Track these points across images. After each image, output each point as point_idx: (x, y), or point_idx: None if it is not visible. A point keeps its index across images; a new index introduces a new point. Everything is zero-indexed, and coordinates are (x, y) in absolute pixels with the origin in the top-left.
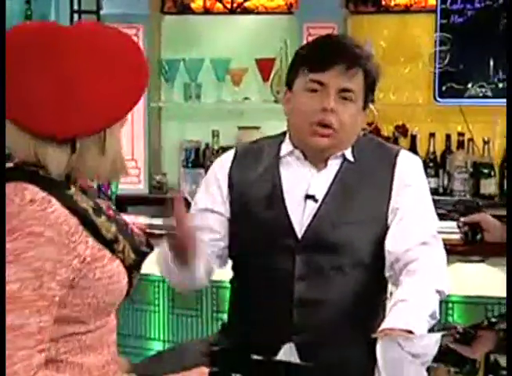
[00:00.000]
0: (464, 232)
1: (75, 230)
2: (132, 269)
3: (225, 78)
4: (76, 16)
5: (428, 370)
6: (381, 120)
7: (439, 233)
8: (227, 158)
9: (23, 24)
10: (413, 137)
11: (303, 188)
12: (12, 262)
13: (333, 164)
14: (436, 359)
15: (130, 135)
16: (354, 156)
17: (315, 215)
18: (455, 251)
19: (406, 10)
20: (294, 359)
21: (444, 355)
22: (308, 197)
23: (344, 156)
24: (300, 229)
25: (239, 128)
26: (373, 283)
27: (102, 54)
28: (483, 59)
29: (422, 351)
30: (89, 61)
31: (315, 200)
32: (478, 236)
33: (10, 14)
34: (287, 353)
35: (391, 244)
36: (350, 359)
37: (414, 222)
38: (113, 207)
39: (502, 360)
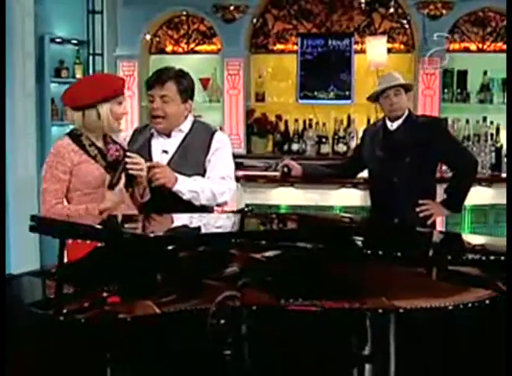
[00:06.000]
0: (281, 170)
1: (73, 150)
2: (107, 169)
3: None
4: (96, 57)
5: None
6: (268, 111)
7: (272, 174)
8: (128, 135)
9: (87, 76)
10: (286, 121)
11: (161, 147)
12: (44, 166)
13: (176, 135)
14: None
15: (130, 120)
16: (191, 129)
17: (168, 161)
18: (277, 181)
19: (282, 51)
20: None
21: None
22: (163, 151)
23: (181, 130)
24: None
25: None
26: None
27: (100, 81)
28: (322, 78)
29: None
30: (93, 83)
31: (167, 153)
32: (287, 172)
33: (68, 53)
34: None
35: (206, 177)
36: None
37: (218, 168)
38: (119, 147)
39: None
